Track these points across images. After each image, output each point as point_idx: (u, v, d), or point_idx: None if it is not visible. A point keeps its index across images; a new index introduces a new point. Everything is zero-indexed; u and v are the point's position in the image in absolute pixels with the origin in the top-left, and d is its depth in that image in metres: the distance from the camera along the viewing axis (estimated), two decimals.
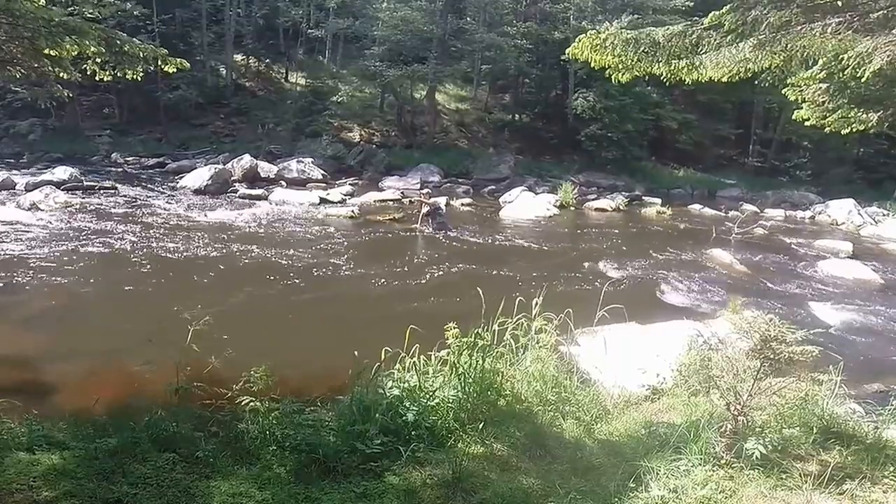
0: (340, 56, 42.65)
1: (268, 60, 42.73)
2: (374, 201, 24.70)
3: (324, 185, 27.88)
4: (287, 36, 44.04)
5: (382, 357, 6.17)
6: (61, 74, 8.76)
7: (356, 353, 6.16)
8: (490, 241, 18.80)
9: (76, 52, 8.19)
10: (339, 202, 23.76)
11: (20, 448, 4.86)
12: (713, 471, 5.05)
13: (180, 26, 37.88)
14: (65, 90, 9.57)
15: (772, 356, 4.96)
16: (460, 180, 32.02)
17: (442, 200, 21.46)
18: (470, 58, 39.13)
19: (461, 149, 37.33)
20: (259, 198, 23.63)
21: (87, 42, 7.92)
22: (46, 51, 8.03)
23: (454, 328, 6.23)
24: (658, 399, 6.88)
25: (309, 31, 42.97)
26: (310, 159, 30.79)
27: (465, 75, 41.62)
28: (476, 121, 40.39)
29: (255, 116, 37.36)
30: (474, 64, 40.15)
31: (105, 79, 9.16)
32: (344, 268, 14.25)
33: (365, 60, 37.07)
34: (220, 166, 26.87)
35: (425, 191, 20.32)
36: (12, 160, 29.43)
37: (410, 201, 24.66)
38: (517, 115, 40.79)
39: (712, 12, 7.12)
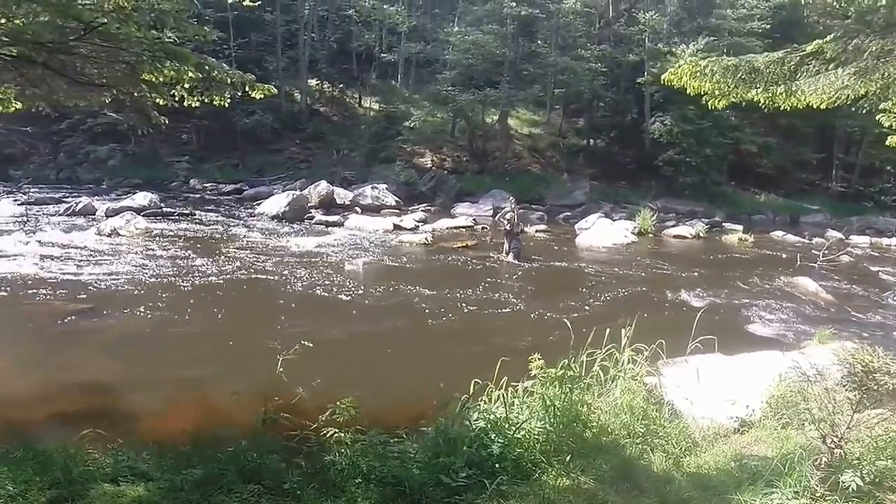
0: (413, 80, 43.09)
1: (341, 85, 43.27)
2: (447, 228, 24.91)
3: (397, 211, 28.22)
4: (360, 60, 44.50)
5: (471, 389, 6.16)
6: (157, 100, 8.90)
7: (441, 384, 6.15)
8: (568, 268, 18.73)
9: (172, 78, 8.34)
10: (412, 229, 23.97)
11: (105, 479, 4.90)
12: None
13: (255, 51, 38.64)
14: (161, 117, 9.69)
15: (874, 387, 4.80)
16: (534, 206, 31.77)
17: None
18: (542, 81, 39.15)
19: (534, 174, 37.28)
20: (335, 224, 24.04)
21: (186, 67, 8.07)
22: (145, 76, 8.20)
23: (539, 359, 6.19)
24: (748, 431, 6.69)
25: (381, 55, 43.39)
26: (384, 185, 31.15)
27: (538, 99, 41.65)
28: (549, 146, 40.24)
29: (330, 142, 37.93)
30: (547, 88, 40.19)
31: (194, 105, 9.27)
32: (422, 297, 14.24)
33: (437, 85, 37.45)
34: (298, 193, 27.36)
35: (508, 213, 19.82)
36: (92, 185, 30.79)
37: (483, 228, 24.74)
38: (592, 140, 40.58)
39: (816, 41, 7.10)
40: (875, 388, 4.80)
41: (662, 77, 8.38)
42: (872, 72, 6.69)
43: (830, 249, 22.54)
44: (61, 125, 33.24)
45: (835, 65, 6.90)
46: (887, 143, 12.07)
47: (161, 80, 8.06)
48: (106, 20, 6.98)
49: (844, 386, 4.99)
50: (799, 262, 21.03)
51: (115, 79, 8.34)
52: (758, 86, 7.52)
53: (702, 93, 7.96)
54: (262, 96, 8.96)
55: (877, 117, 11.11)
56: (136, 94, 8.80)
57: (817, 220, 33.94)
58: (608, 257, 21.07)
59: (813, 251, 22.85)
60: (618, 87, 38.32)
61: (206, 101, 8.99)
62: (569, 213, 30.78)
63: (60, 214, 22.47)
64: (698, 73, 7.69)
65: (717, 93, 7.85)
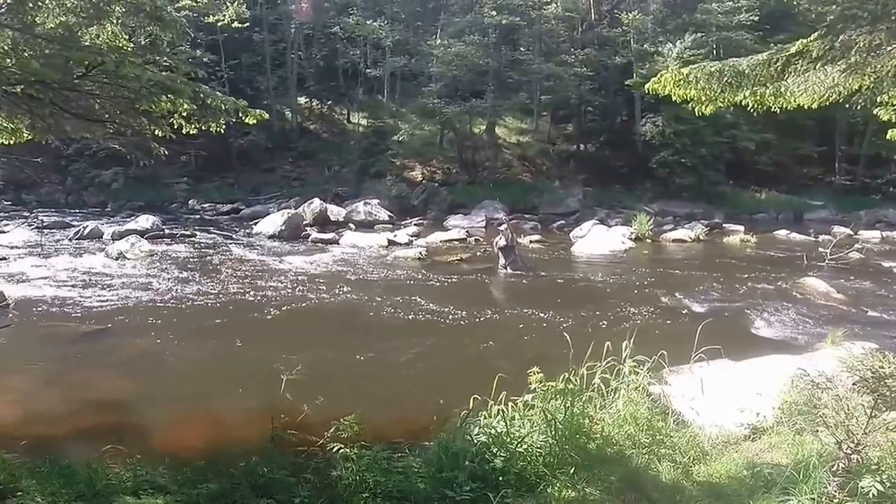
0: (399, 94, 43.25)
1: (329, 102, 43.86)
2: (441, 241, 24.84)
3: (390, 226, 28.40)
4: (347, 77, 44.74)
5: (471, 404, 6.22)
6: (156, 131, 9.19)
7: (441, 400, 6.13)
8: (565, 279, 18.50)
9: (168, 110, 8.64)
10: (406, 244, 23.90)
11: (126, 492, 5.05)
12: None
13: (247, 71, 39.05)
14: (160, 147, 10.07)
15: (887, 393, 4.68)
16: (526, 216, 31.71)
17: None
18: (528, 89, 39.12)
19: (525, 183, 37.18)
20: (330, 242, 24.07)
21: (181, 100, 8.39)
22: (143, 108, 8.55)
23: (538, 373, 6.22)
24: (759, 438, 6.59)
25: (367, 70, 43.60)
26: (376, 200, 31.38)
27: (525, 107, 41.51)
28: (539, 153, 40.15)
29: (321, 159, 38.34)
30: (533, 95, 40.07)
31: (191, 132, 9.58)
32: (419, 313, 14.16)
33: (423, 98, 37.75)
34: (292, 211, 27.77)
35: (503, 227, 19.53)
36: (98, 209, 32.11)
37: (476, 240, 24.73)
38: (582, 145, 40.47)
39: (800, 40, 7.06)
40: (888, 393, 4.68)
41: (646, 86, 8.28)
42: (863, 67, 6.55)
43: (838, 246, 22.04)
44: (68, 150, 33.83)
45: (823, 63, 6.76)
46: (888, 136, 11.94)
47: (158, 112, 8.32)
48: (104, 60, 7.30)
49: (857, 392, 4.86)
50: (806, 262, 20.66)
51: (114, 114, 8.75)
52: (745, 89, 7.46)
53: (688, 99, 7.85)
54: (255, 121, 9.28)
55: (874, 111, 10.96)
56: (135, 126, 9.06)
57: (823, 216, 33.12)
58: (605, 265, 20.75)
59: (820, 249, 22.29)
60: (606, 90, 38.03)
61: (202, 128, 9.25)
62: (563, 222, 30.47)
63: (70, 239, 23.25)
64: (682, 81, 7.64)
65: (703, 98, 7.80)
